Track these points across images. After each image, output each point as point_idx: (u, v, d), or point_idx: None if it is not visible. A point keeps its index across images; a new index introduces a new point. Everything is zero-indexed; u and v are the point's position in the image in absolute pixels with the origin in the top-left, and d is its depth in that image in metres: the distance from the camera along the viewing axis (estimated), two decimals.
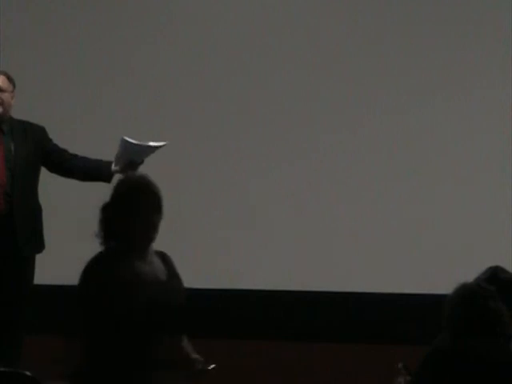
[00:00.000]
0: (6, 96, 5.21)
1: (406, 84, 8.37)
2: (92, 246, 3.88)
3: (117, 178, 5.06)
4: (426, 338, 4.37)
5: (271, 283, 7.55)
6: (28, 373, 4.19)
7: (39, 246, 5.25)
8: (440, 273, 7.44)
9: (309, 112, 8.31)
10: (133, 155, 5.06)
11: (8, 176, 5.10)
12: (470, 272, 4.40)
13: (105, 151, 5.55)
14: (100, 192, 3.96)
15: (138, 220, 3.61)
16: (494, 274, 4.40)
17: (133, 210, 3.60)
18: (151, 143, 5.12)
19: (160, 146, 5.12)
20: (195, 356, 3.70)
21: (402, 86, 8.39)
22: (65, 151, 5.30)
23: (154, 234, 3.66)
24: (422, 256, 7.64)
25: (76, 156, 5.28)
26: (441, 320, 4.31)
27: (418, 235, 8.04)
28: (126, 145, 5.04)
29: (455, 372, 3.94)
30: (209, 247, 7.26)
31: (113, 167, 5.11)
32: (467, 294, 4.16)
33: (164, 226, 3.77)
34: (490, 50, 8.34)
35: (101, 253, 3.65)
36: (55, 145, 5.31)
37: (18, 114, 5.69)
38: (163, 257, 3.80)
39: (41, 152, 5.21)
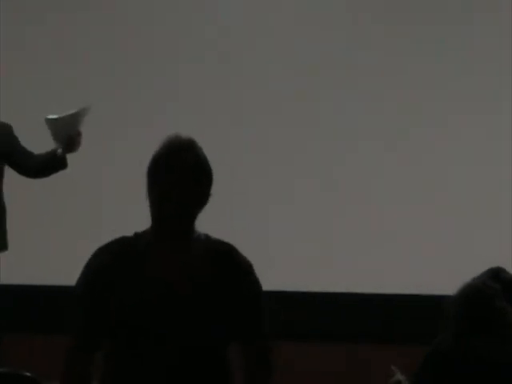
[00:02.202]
0: None
1: (407, 85, 8.40)
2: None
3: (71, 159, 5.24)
4: (425, 338, 4.36)
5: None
6: (28, 373, 4.17)
7: (2, 245, 5.24)
8: (438, 274, 7.51)
9: (311, 112, 8.35)
10: (65, 130, 5.01)
11: None
12: (469, 273, 4.33)
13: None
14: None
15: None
16: (496, 274, 4.32)
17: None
18: (72, 111, 5.06)
19: (85, 110, 5.06)
20: None
21: (403, 87, 8.41)
22: (29, 152, 5.26)
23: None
24: (420, 258, 7.68)
25: (32, 154, 5.23)
26: (440, 320, 4.31)
27: (417, 237, 8.05)
28: (51, 123, 5.00)
29: (456, 373, 3.95)
30: None
31: (58, 151, 5.07)
32: (472, 293, 4.14)
33: None
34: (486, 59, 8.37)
35: None
36: (22, 147, 5.25)
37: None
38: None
39: (4, 153, 5.18)
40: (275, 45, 8.52)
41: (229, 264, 2.87)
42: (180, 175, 2.81)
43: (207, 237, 2.92)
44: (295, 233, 8.16)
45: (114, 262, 2.86)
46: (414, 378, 4.33)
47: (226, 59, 8.46)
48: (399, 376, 4.92)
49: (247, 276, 2.92)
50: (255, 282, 2.94)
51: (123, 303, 2.79)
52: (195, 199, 2.86)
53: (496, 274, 4.27)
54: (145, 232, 2.93)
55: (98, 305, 2.84)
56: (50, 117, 5.06)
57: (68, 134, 5.01)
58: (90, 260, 2.88)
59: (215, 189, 3.13)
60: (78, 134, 5.02)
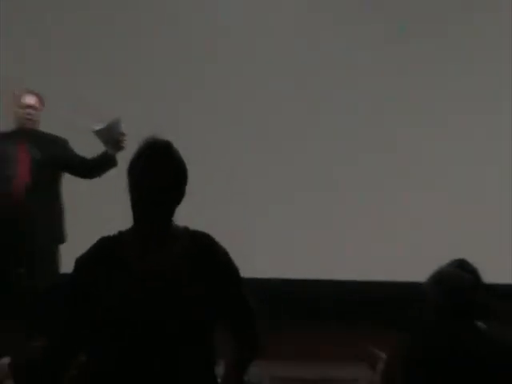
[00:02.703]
0: (36, 114, 6.19)
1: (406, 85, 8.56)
2: None
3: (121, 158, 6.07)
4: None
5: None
6: None
7: (58, 238, 6.12)
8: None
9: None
10: (112, 136, 5.99)
11: (31, 179, 6.06)
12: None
13: None
14: None
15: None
16: (461, 265, 4.39)
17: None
18: (111, 120, 6.02)
19: (119, 119, 6.06)
20: None
21: (402, 87, 8.56)
22: (82, 158, 6.26)
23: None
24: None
25: (85, 159, 6.25)
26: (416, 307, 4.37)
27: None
28: (98, 133, 5.97)
29: (442, 359, 4.02)
30: None
31: (108, 153, 6.05)
32: (453, 282, 4.23)
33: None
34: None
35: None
36: (75, 155, 6.25)
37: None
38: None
39: (61, 161, 6.20)
40: (274, 46, 8.61)
41: (207, 252, 3.04)
42: (157, 177, 2.97)
43: (186, 229, 3.08)
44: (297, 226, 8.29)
45: (97, 260, 3.01)
46: (400, 365, 4.27)
47: (226, 59, 8.54)
48: (382, 355, 5.05)
49: (225, 262, 3.09)
50: (233, 269, 3.10)
51: (109, 298, 2.93)
52: (172, 199, 3.01)
53: (461, 265, 4.34)
54: (127, 230, 3.07)
55: (83, 302, 2.98)
56: (97, 128, 5.98)
57: (114, 137, 5.98)
58: (77, 260, 3.04)
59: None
60: (122, 135, 5.96)
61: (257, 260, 7.85)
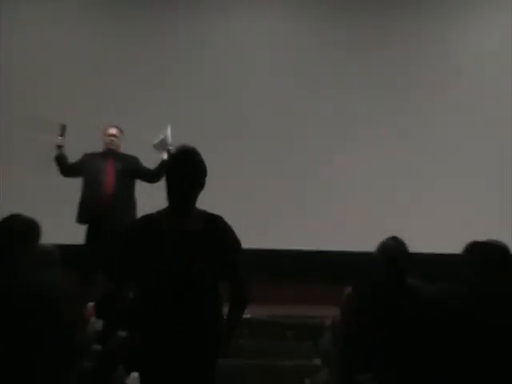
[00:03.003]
0: (117, 140, 7.74)
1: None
2: None
3: None
4: None
5: None
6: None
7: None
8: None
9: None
10: (165, 145, 7.49)
11: (115, 184, 7.54)
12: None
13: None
14: None
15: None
16: (395, 240, 5.25)
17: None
18: (163, 135, 7.56)
19: (166, 135, 7.53)
20: None
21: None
22: (148, 169, 7.63)
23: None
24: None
25: (150, 169, 7.61)
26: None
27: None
28: (156, 146, 7.52)
29: (376, 303, 4.74)
30: None
31: (164, 160, 7.52)
32: (397, 252, 5.08)
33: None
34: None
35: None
36: (144, 167, 7.68)
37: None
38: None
39: (134, 172, 7.65)
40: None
41: (217, 226, 3.91)
42: (185, 172, 3.86)
43: (204, 211, 3.96)
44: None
45: (141, 228, 3.91)
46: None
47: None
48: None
49: (229, 234, 3.93)
50: (235, 240, 3.95)
51: (152, 253, 3.80)
52: (194, 187, 3.90)
53: (395, 239, 5.16)
54: (163, 209, 3.96)
55: (133, 256, 3.84)
56: (154, 142, 7.49)
57: (166, 148, 7.41)
58: (127, 227, 4.04)
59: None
60: (171, 145, 7.33)
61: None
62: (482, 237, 4.50)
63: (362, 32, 9.41)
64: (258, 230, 8.58)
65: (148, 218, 4.03)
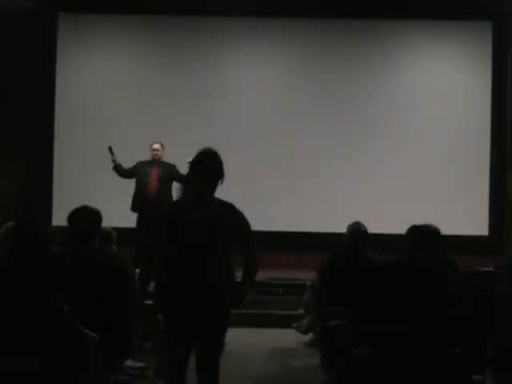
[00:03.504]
0: (159, 153, 8.10)
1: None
2: None
3: None
4: None
5: None
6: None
7: None
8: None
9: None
10: None
11: (158, 184, 7.92)
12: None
13: None
14: None
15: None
16: (358, 224, 5.42)
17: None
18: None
19: None
20: None
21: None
22: (182, 174, 7.79)
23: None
24: None
25: (184, 175, 7.65)
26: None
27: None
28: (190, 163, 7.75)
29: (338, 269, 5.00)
30: None
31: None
32: (353, 232, 5.31)
33: None
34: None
35: None
36: (179, 173, 7.92)
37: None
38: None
39: (172, 176, 7.99)
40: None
41: (231, 212, 3.76)
42: (208, 169, 3.75)
43: (220, 199, 3.79)
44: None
45: (174, 210, 3.77)
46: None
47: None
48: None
49: (241, 216, 3.78)
50: (246, 221, 3.78)
51: (179, 229, 3.65)
52: (214, 181, 3.76)
53: (358, 224, 5.39)
54: (188, 196, 4.09)
55: (166, 232, 3.67)
56: (188, 160, 7.54)
57: None
58: (163, 209, 3.80)
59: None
60: None
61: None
62: (420, 221, 4.65)
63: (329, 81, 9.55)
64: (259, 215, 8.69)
65: (177, 203, 4.17)
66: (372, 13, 9.37)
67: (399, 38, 9.50)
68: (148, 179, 8.01)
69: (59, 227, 4.44)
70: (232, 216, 3.74)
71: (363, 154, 9.42)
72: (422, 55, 9.50)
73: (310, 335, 6.51)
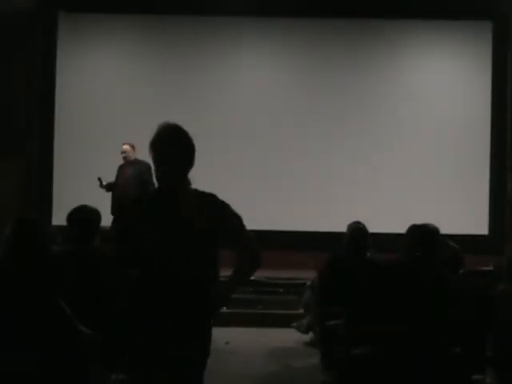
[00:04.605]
0: (128, 154, 8.11)
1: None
2: None
3: None
4: None
5: None
6: None
7: None
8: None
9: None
10: None
11: (128, 185, 7.88)
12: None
13: None
14: None
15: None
16: (358, 223, 5.39)
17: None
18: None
19: None
20: None
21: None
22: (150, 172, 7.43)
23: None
24: None
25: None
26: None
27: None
28: None
29: (341, 269, 4.97)
30: None
31: None
32: (362, 230, 5.28)
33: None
34: None
35: None
36: (147, 170, 7.44)
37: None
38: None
39: (140, 173, 7.82)
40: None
41: (211, 203, 2.92)
42: (171, 148, 2.87)
43: (196, 189, 2.93)
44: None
45: (134, 208, 2.96)
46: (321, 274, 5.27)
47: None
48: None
49: (225, 208, 2.94)
50: (232, 212, 2.95)
51: (141, 237, 2.85)
52: (182, 164, 2.88)
53: (358, 223, 5.38)
54: (153, 189, 3.04)
55: (129, 240, 2.91)
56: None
57: None
58: (120, 209, 3.37)
59: None
60: None
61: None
62: (420, 221, 4.54)
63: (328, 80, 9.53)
64: (259, 215, 8.61)
65: (138, 199, 3.17)
66: (372, 13, 9.35)
67: (399, 38, 9.49)
68: (120, 181, 8.15)
69: (59, 227, 4.40)
70: (213, 208, 2.92)
71: (363, 153, 9.41)
72: (422, 55, 9.50)
73: (310, 335, 6.50)
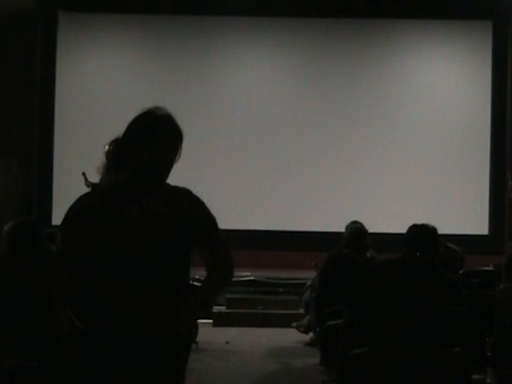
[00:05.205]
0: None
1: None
2: None
3: None
4: None
5: None
6: None
7: None
8: None
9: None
10: None
11: None
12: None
13: None
14: None
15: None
16: (356, 222, 5.50)
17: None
18: None
19: None
20: None
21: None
22: None
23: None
24: None
25: None
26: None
27: None
28: None
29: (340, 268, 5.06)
30: None
31: None
32: (362, 230, 5.36)
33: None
34: None
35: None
36: None
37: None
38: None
39: None
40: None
41: (185, 199, 2.47)
42: (161, 139, 2.48)
43: (170, 185, 2.50)
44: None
45: (93, 204, 2.46)
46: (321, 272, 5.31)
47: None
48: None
49: (199, 204, 2.49)
50: (207, 211, 2.49)
51: (106, 234, 2.37)
52: (172, 157, 2.49)
53: (356, 222, 5.48)
54: (120, 180, 2.50)
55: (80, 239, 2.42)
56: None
57: None
58: (74, 203, 2.49)
59: None
60: None
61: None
62: (420, 220, 4.48)
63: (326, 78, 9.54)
64: (259, 215, 8.82)
65: (101, 190, 2.56)
66: (372, 12, 9.37)
67: (399, 38, 9.51)
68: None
69: (59, 227, 4.45)
70: (185, 204, 2.47)
71: (364, 153, 9.43)
72: (422, 55, 9.52)
73: (310, 335, 6.51)
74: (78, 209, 2.45)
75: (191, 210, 2.46)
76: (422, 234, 4.37)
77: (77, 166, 9.36)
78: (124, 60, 9.57)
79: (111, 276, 2.35)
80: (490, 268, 5.32)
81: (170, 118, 2.54)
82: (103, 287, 2.35)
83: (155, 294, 2.35)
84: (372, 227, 5.53)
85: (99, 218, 2.39)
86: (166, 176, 2.49)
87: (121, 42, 9.57)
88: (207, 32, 9.43)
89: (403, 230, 4.56)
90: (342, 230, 5.54)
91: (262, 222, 8.26)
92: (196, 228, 2.46)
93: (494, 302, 4.06)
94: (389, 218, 8.76)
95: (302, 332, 6.63)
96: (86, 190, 8.03)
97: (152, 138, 2.49)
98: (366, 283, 3.94)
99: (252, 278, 8.04)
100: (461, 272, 4.88)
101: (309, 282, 6.67)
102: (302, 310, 7.00)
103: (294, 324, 6.77)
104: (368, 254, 5.32)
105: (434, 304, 3.64)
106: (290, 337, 6.74)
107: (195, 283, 2.52)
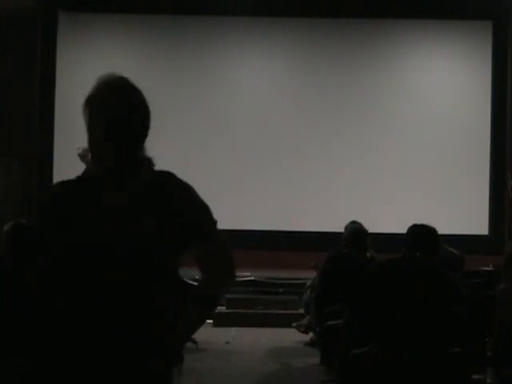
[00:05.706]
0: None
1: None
2: None
3: None
4: None
5: None
6: None
7: None
8: None
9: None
10: None
11: None
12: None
13: None
14: None
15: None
16: (354, 222, 5.55)
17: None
18: None
19: None
20: None
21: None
22: None
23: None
24: None
25: None
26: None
27: None
28: None
29: (339, 267, 5.08)
30: None
31: None
32: (361, 230, 5.40)
33: None
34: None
35: None
36: None
37: None
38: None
39: None
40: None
41: (167, 183, 2.09)
42: (128, 113, 2.09)
43: (150, 167, 2.11)
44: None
45: (66, 197, 2.15)
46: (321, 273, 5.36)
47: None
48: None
49: (186, 191, 2.10)
50: (197, 199, 2.10)
51: (79, 230, 2.03)
52: (136, 134, 2.11)
53: (355, 222, 5.54)
54: (89, 170, 2.18)
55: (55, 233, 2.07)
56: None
57: None
58: (43, 197, 2.16)
59: None
60: None
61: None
62: (420, 221, 4.49)
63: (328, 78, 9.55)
64: (259, 215, 8.82)
65: (70, 183, 2.20)
66: (372, 12, 9.39)
67: (399, 38, 9.53)
68: None
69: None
70: (169, 192, 2.08)
71: (364, 153, 9.44)
72: (422, 55, 9.52)
73: (310, 335, 6.52)
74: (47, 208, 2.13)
75: (177, 198, 2.08)
76: (421, 233, 4.38)
77: (77, 166, 9.42)
78: (124, 60, 9.54)
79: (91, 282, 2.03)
80: (490, 268, 5.36)
81: (121, 86, 2.22)
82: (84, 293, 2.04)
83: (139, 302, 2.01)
84: (372, 227, 5.55)
85: (71, 213, 2.06)
86: (132, 164, 2.08)
87: (121, 42, 9.58)
88: (207, 32, 9.44)
89: (403, 230, 4.58)
90: (340, 229, 5.56)
91: (257, 221, 8.21)
92: (183, 220, 2.06)
93: (494, 302, 4.08)
94: (389, 218, 8.77)
95: (302, 332, 6.65)
96: None
97: (97, 119, 2.11)
98: (366, 283, 3.93)
99: (252, 278, 8.05)
100: (461, 272, 4.90)
101: (309, 282, 6.69)
102: (301, 310, 7.03)
103: (294, 324, 6.79)
104: (368, 254, 5.35)
105: (434, 304, 3.64)
106: (290, 337, 6.75)
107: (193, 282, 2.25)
